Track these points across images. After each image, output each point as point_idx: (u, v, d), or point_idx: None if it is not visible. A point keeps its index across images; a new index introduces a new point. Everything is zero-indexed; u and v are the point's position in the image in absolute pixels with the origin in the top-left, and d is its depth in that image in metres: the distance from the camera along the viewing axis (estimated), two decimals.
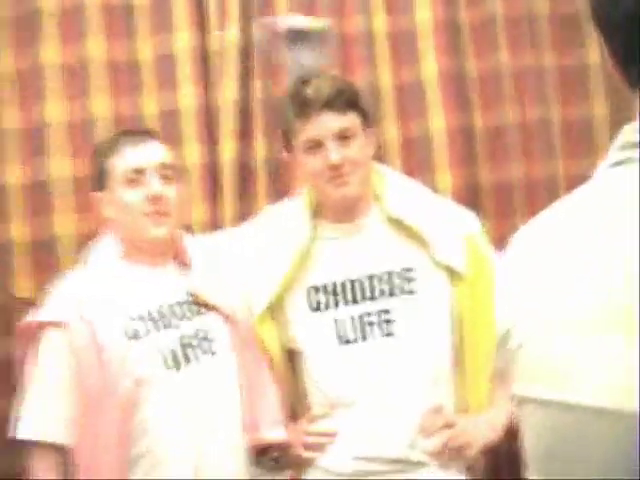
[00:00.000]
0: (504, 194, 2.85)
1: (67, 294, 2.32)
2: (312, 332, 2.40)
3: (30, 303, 2.72)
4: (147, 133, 2.47)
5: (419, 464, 2.29)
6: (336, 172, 2.30)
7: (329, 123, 2.31)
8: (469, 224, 2.43)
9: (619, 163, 0.90)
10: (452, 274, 2.33)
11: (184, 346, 2.30)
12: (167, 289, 2.39)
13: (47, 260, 2.90)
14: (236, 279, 2.44)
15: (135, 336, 2.27)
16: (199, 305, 2.39)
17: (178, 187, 2.42)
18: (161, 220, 2.34)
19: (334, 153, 2.29)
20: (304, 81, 2.39)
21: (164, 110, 2.98)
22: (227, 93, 2.90)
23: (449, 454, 2.30)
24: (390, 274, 2.35)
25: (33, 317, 2.33)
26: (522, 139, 2.85)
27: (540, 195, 2.80)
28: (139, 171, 2.34)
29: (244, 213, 2.86)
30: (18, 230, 2.93)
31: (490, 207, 2.85)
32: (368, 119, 2.42)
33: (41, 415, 2.27)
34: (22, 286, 2.90)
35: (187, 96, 2.95)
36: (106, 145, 2.43)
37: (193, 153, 2.92)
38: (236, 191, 2.89)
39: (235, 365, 2.37)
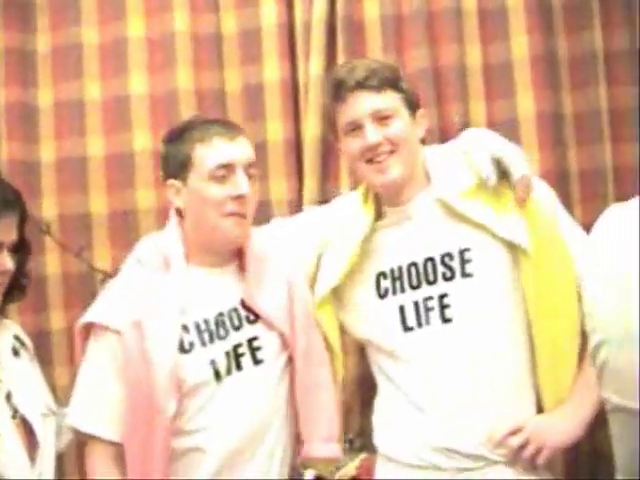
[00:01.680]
0: (593, 179, 2.75)
1: (123, 297, 2.25)
2: (379, 319, 2.35)
3: (108, 275, 2.75)
4: (237, 128, 2.36)
5: (496, 462, 2.22)
6: (374, 153, 2.25)
7: (364, 103, 2.26)
8: (537, 196, 2.29)
9: None
10: (515, 250, 2.23)
11: (234, 355, 2.26)
12: (224, 295, 2.32)
13: (126, 233, 2.92)
14: (297, 272, 2.38)
15: (190, 349, 2.22)
16: (251, 312, 2.32)
17: (256, 185, 2.34)
18: (242, 222, 2.26)
19: (371, 133, 2.24)
20: (339, 66, 2.36)
21: (248, 84, 2.96)
22: (313, 68, 2.87)
23: (523, 459, 2.22)
24: (448, 256, 2.28)
25: (88, 318, 2.26)
26: (612, 123, 2.75)
27: (630, 181, 2.70)
28: (228, 167, 2.24)
29: (326, 191, 2.84)
30: (98, 202, 2.96)
31: (578, 192, 2.77)
32: (413, 100, 2.35)
33: (87, 408, 2.25)
34: (101, 258, 2.92)
35: (272, 70, 2.94)
36: (195, 132, 2.29)
37: (277, 129, 2.89)
38: (319, 168, 2.86)
39: (282, 374, 2.32)
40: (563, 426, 2.22)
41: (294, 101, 2.96)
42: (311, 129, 2.86)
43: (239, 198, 2.23)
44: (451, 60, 2.84)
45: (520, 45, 2.81)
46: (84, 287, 2.90)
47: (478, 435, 2.22)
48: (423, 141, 2.39)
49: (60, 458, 2.23)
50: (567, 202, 2.48)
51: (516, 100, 2.81)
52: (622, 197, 2.57)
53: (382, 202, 2.40)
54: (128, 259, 2.37)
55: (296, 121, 2.95)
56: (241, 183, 2.23)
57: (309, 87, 2.88)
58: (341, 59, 2.85)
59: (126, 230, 2.94)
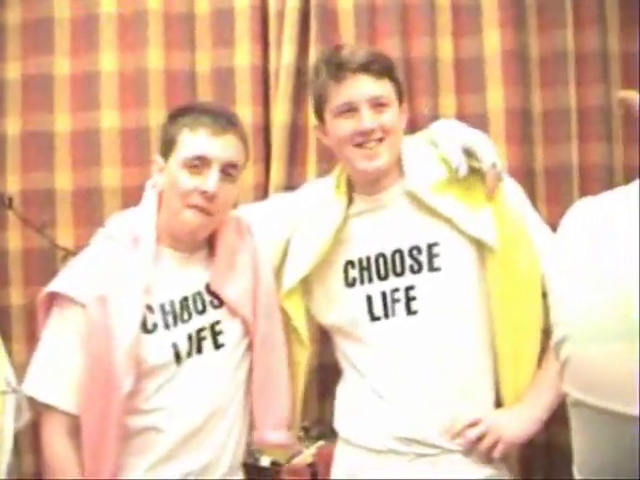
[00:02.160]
0: (559, 177, 2.77)
1: (91, 270, 2.25)
2: (346, 308, 2.37)
3: (70, 252, 2.73)
4: (232, 123, 2.31)
5: (453, 451, 2.25)
6: (366, 138, 2.25)
7: (365, 87, 2.26)
8: (505, 192, 2.31)
9: None
10: (482, 246, 2.25)
11: (196, 339, 2.27)
12: (190, 279, 2.32)
13: (90, 211, 2.90)
14: (263, 258, 2.39)
15: (153, 330, 2.23)
16: (215, 298, 2.32)
17: (236, 186, 2.32)
18: (203, 217, 2.24)
19: (367, 118, 2.24)
20: (337, 47, 2.36)
21: (219, 67, 2.95)
22: (285, 55, 2.86)
23: (478, 451, 2.25)
24: (416, 249, 2.29)
25: (53, 287, 2.25)
26: (581, 122, 2.76)
27: (596, 181, 2.72)
28: (204, 160, 2.22)
29: (294, 177, 2.84)
30: (63, 179, 2.94)
31: (544, 189, 2.78)
32: (402, 92, 2.36)
33: (45, 377, 2.24)
34: (63, 235, 2.90)
35: (243, 55, 2.93)
36: (188, 117, 2.28)
37: (245, 113, 2.88)
38: (287, 154, 2.85)
39: (242, 360, 2.33)
40: (519, 422, 2.25)
41: (264, 87, 2.95)
42: (280, 115, 2.86)
43: (205, 194, 2.20)
44: (423, 52, 2.84)
45: (492, 40, 2.81)
46: (45, 264, 2.87)
47: (438, 425, 2.25)
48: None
49: (15, 436, 2.21)
50: (532, 199, 2.49)
51: (486, 95, 2.81)
52: (587, 196, 2.62)
53: (354, 190, 2.40)
54: (98, 234, 2.36)
55: (265, 107, 2.94)
56: (211, 180, 2.21)
57: (280, 73, 2.87)
58: (313, 47, 2.85)
59: (90, 208, 2.91)
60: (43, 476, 2.27)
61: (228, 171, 2.25)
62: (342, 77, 2.26)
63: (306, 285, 2.42)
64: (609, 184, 2.68)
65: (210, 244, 2.36)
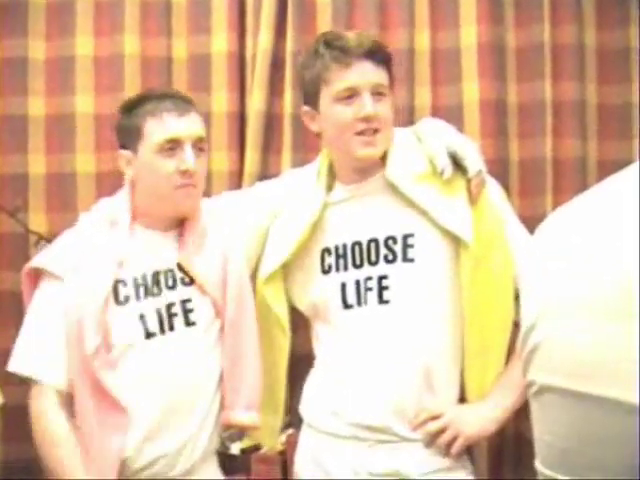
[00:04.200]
0: (533, 171, 2.78)
1: (70, 247, 2.33)
2: (321, 294, 2.39)
3: (43, 237, 2.72)
4: (189, 102, 2.39)
5: (408, 439, 2.28)
6: (367, 125, 2.25)
7: (369, 73, 2.26)
8: (486, 191, 2.33)
9: None
10: (458, 242, 2.26)
11: (166, 315, 2.31)
12: (162, 256, 2.36)
13: (63, 196, 2.88)
14: (234, 244, 2.42)
15: (125, 302, 2.28)
16: (186, 275, 2.36)
17: (205, 158, 2.40)
18: (192, 192, 2.32)
19: (369, 105, 2.24)
20: (338, 32, 2.36)
21: (195, 54, 2.93)
22: (261, 42, 2.85)
23: (437, 445, 2.27)
24: (391, 239, 2.31)
25: (34, 263, 2.33)
26: (556, 117, 2.77)
27: (569, 175, 2.73)
28: (176, 142, 2.29)
29: (269, 165, 2.84)
30: (36, 163, 2.92)
31: (517, 183, 2.79)
32: (394, 83, 2.38)
33: (30, 352, 2.29)
34: (36, 220, 2.89)
35: (220, 42, 2.92)
36: (147, 105, 2.33)
37: (221, 100, 2.88)
38: (262, 142, 2.85)
39: (217, 340, 2.36)
40: (480, 420, 2.28)
41: (240, 74, 2.94)
42: (256, 103, 2.85)
43: (186, 172, 2.28)
44: (400, 44, 2.83)
45: (469, 33, 2.81)
46: (17, 248, 2.85)
47: (401, 415, 2.27)
48: None
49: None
50: (506, 191, 2.50)
51: (461, 87, 2.82)
52: (560, 190, 2.64)
53: (336, 178, 2.41)
54: (81, 217, 2.41)
55: (241, 94, 2.93)
56: (188, 158, 2.28)
57: (256, 61, 2.86)
58: (290, 35, 2.84)
59: (63, 193, 2.90)
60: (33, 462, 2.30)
61: (199, 146, 2.34)
62: (347, 61, 2.26)
63: (285, 271, 2.43)
64: (582, 178, 2.69)
65: (182, 226, 2.40)
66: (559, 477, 0.84)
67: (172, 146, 2.28)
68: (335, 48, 2.28)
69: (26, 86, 2.94)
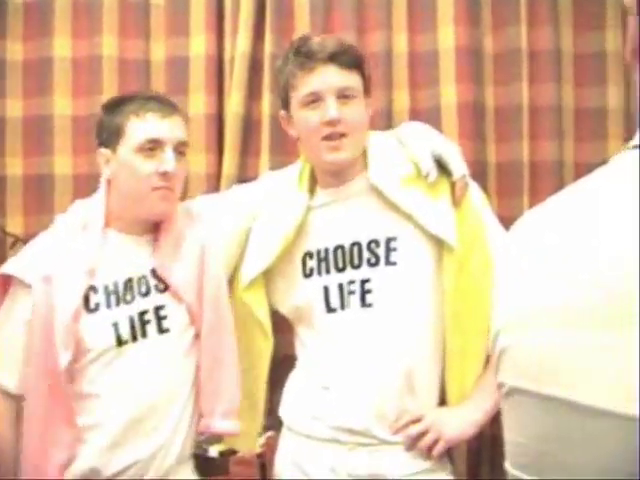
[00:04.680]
0: (510, 173, 2.79)
1: (41, 253, 2.29)
2: (303, 298, 2.39)
3: (19, 239, 2.71)
4: (174, 106, 2.37)
5: (388, 442, 2.28)
6: (332, 129, 2.25)
7: (332, 77, 2.25)
8: (469, 194, 2.33)
9: None
10: (442, 245, 2.26)
11: (139, 322, 2.29)
12: (135, 262, 2.34)
13: (40, 199, 2.87)
14: (212, 249, 2.40)
15: (95, 309, 2.26)
16: (160, 282, 2.35)
17: (185, 163, 2.39)
18: (169, 195, 2.30)
19: (332, 109, 2.23)
20: (307, 37, 2.35)
21: (174, 56, 2.93)
22: (239, 45, 2.85)
23: (418, 448, 2.27)
24: (374, 242, 2.30)
25: (4, 269, 2.29)
26: (533, 119, 2.79)
27: (546, 177, 2.74)
28: (157, 143, 2.27)
29: (246, 168, 2.84)
30: (13, 165, 2.91)
31: (495, 185, 2.81)
32: (369, 85, 2.36)
33: None
34: (13, 222, 2.87)
35: (198, 44, 2.91)
36: (132, 104, 2.31)
37: (199, 103, 2.88)
38: (239, 144, 2.85)
39: (191, 348, 2.35)
40: (460, 422, 2.28)
41: (218, 76, 2.93)
42: (234, 105, 2.85)
43: (165, 174, 2.26)
44: (377, 47, 2.84)
45: (446, 36, 2.82)
46: None
47: (382, 418, 2.27)
48: None
49: None
50: (483, 194, 2.50)
51: (439, 90, 2.82)
52: (537, 192, 2.66)
53: (317, 182, 2.41)
54: (56, 220, 2.38)
55: (219, 96, 2.93)
56: (168, 160, 2.26)
57: (234, 63, 2.86)
58: (269, 38, 2.84)
59: (41, 195, 2.89)
60: None
61: (180, 149, 2.31)
62: (310, 67, 2.26)
63: (267, 276, 2.42)
64: (559, 181, 2.70)
65: (157, 230, 2.38)
66: (525, 477, 0.85)
67: (153, 147, 2.26)
68: (300, 54, 2.29)
69: (4, 88, 2.94)
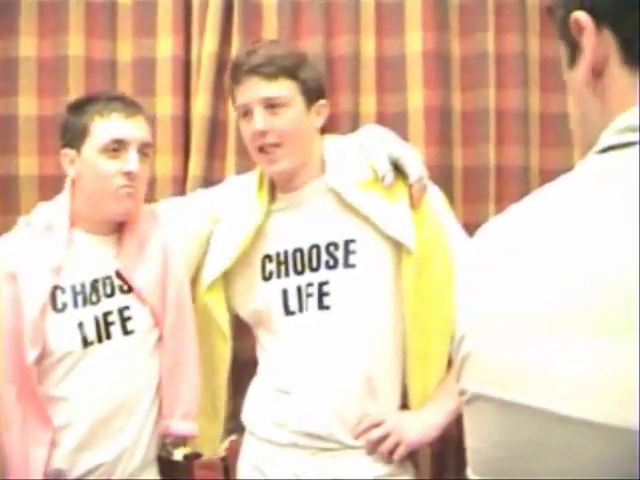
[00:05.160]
0: (476, 178, 2.79)
1: (3, 252, 2.29)
2: (262, 301, 2.39)
3: None
4: (138, 107, 2.39)
5: (350, 446, 2.28)
6: (262, 140, 2.27)
7: (255, 89, 2.28)
8: (428, 198, 2.34)
9: (615, 147, 0.86)
10: (400, 248, 2.26)
11: (103, 323, 2.29)
12: (100, 262, 2.35)
13: (6, 199, 2.85)
14: (174, 250, 2.41)
15: (62, 309, 2.26)
16: (125, 283, 2.35)
17: (149, 165, 2.41)
18: (131, 197, 2.30)
19: (258, 120, 2.26)
20: (251, 49, 2.37)
21: (140, 57, 2.91)
22: (206, 46, 2.84)
23: (379, 452, 2.28)
24: (333, 245, 2.31)
25: None
26: (499, 124, 2.80)
27: (512, 183, 2.75)
28: (122, 143, 2.28)
29: (213, 170, 2.83)
30: None
31: (461, 190, 2.81)
32: (313, 90, 2.35)
33: None
34: None
35: (165, 45, 2.90)
36: (96, 104, 2.32)
37: (166, 104, 2.87)
38: (206, 146, 2.84)
39: (154, 349, 2.36)
40: (422, 425, 2.29)
41: (185, 78, 2.92)
42: (201, 107, 2.83)
43: (129, 174, 2.26)
44: (345, 51, 2.83)
45: (414, 41, 2.81)
46: None
47: (343, 422, 2.28)
48: (323, 130, 2.40)
49: None
50: (449, 198, 2.51)
51: (406, 95, 2.82)
52: (503, 197, 2.66)
53: (276, 187, 2.41)
54: (19, 221, 2.37)
55: (186, 98, 2.92)
56: (132, 160, 2.27)
57: (201, 65, 2.85)
58: (236, 39, 2.84)
59: (6, 196, 2.87)
60: None
61: (144, 151, 2.33)
62: (238, 79, 2.30)
63: (227, 279, 2.42)
64: (525, 186, 2.71)
65: (121, 230, 2.39)
66: None
67: (117, 147, 2.27)
68: (231, 66, 2.36)
69: None
